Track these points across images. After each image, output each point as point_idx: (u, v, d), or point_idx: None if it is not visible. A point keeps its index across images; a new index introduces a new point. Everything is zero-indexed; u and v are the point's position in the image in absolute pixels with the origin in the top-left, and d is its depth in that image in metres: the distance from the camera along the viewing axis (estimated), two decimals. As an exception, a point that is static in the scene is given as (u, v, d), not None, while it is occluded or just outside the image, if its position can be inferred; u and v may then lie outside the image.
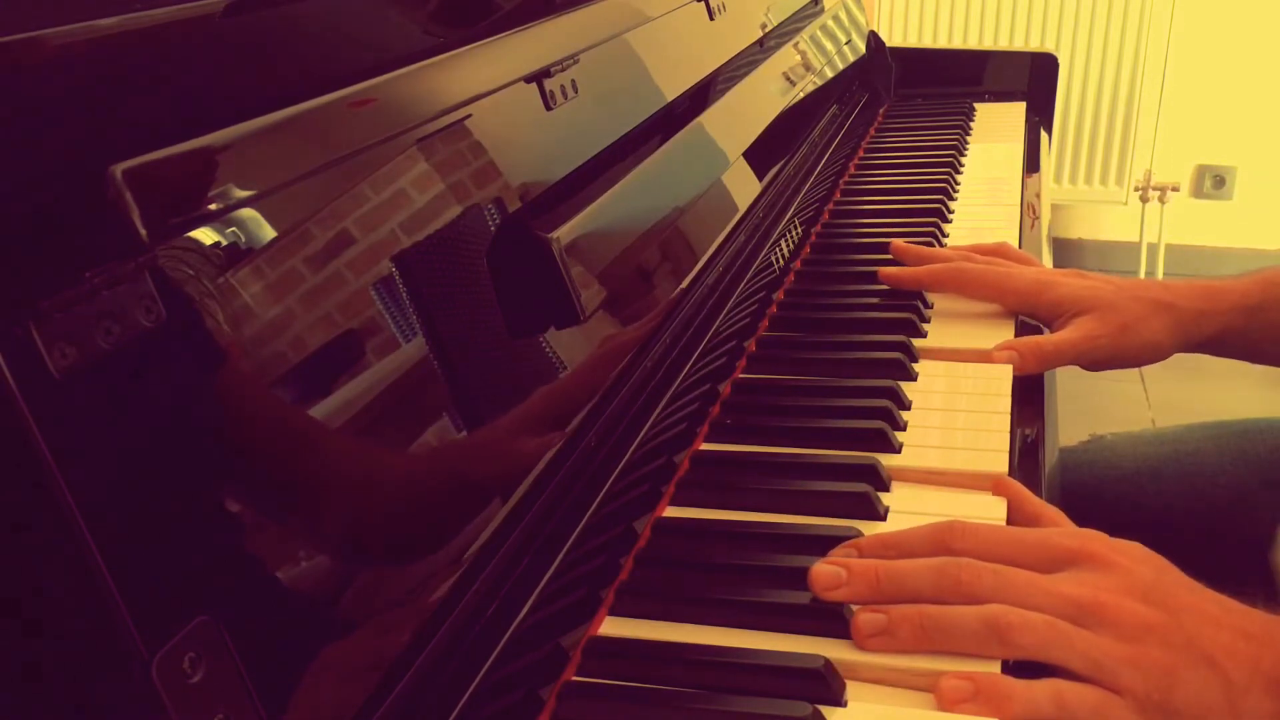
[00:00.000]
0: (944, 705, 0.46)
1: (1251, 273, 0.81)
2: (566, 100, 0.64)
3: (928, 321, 0.82)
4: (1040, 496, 0.60)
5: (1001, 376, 0.73)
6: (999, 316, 0.82)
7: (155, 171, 0.35)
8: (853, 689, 0.47)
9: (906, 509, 0.59)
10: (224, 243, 0.38)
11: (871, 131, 1.36)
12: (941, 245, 0.95)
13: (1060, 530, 0.55)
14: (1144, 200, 2.91)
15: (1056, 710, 0.47)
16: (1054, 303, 0.79)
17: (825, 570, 0.52)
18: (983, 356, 0.77)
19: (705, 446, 0.66)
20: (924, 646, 0.49)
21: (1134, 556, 0.52)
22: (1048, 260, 0.95)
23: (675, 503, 0.61)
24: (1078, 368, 0.78)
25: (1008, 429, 0.66)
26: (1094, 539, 0.53)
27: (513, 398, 0.53)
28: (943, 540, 0.53)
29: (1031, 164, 1.25)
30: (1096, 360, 0.77)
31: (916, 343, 0.77)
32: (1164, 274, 2.88)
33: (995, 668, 0.48)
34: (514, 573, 0.50)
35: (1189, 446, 0.94)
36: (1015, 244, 0.94)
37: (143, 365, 0.33)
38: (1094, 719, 0.47)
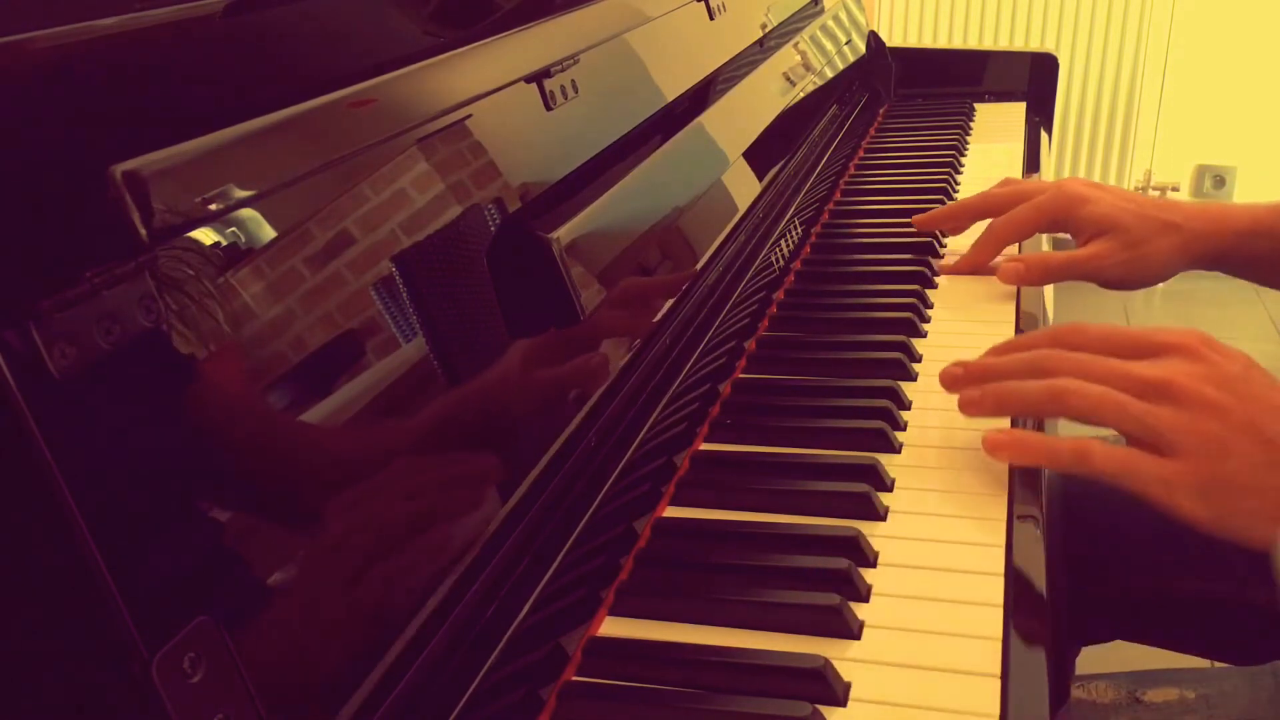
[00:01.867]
0: (986, 448, 0.59)
1: (1265, 203, 0.84)
2: (566, 100, 0.64)
3: (928, 321, 0.82)
4: (1040, 497, 0.60)
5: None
6: (999, 316, 0.82)
7: (155, 171, 0.35)
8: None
9: (906, 509, 0.59)
10: (224, 243, 0.38)
11: (871, 131, 1.36)
12: (941, 245, 0.96)
13: (1165, 328, 0.60)
14: (1144, 200, 2.91)
15: (1076, 461, 0.54)
16: (1085, 219, 0.84)
17: (949, 369, 0.64)
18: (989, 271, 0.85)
19: (705, 446, 0.66)
20: (1001, 411, 0.61)
21: (1224, 353, 0.57)
22: (1043, 239, 0.96)
23: (675, 503, 0.61)
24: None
25: (1008, 428, 0.66)
26: (1193, 335, 0.58)
27: (513, 398, 0.53)
28: (1055, 336, 0.61)
29: (1031, 164, 1.25)
30: (1107, 280, 0.83)
31: (916, 343, 0.77)
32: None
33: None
34: (514, 573, 0.50)
35: None
36: (1014, 246, 0.94)
37: (143, 365, 0.33)
38: (1128, 472, 0.53)
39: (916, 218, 0.96)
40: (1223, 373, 0.56)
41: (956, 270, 0.91)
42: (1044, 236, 0.97)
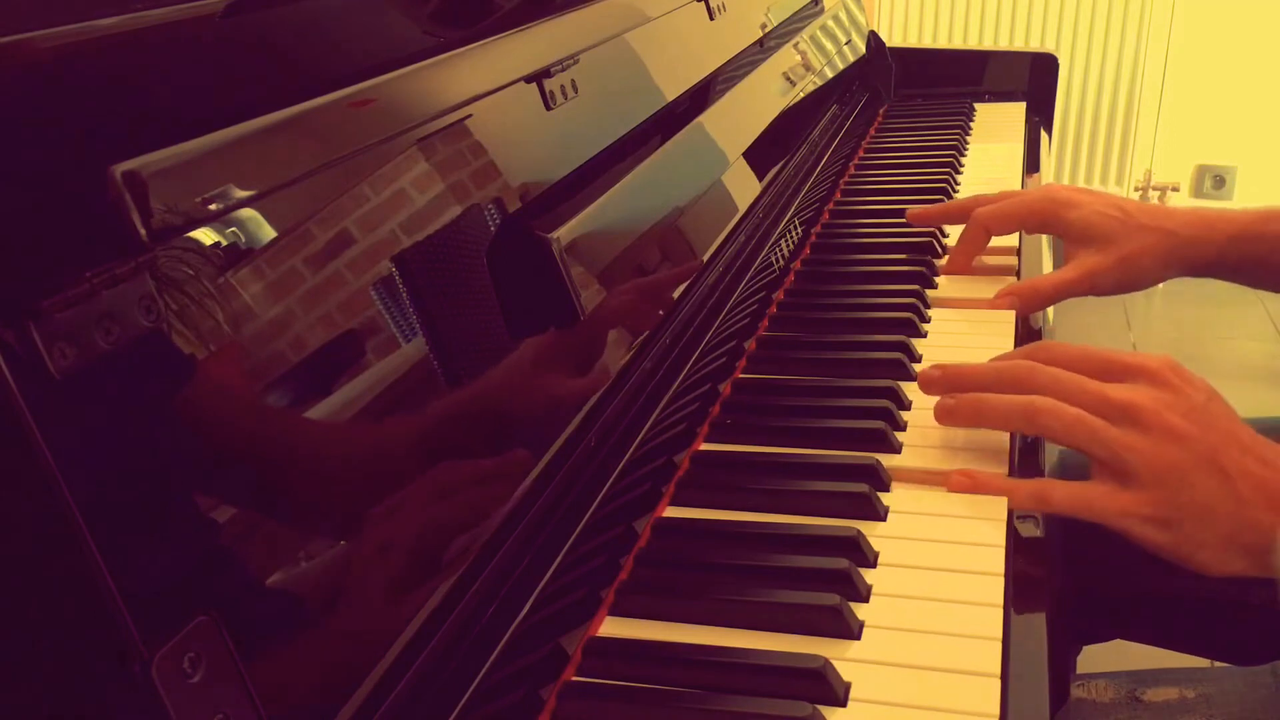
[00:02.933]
0: (951, 489, 0.59)
1: (1256, 208, 0.84)
2: (566, 100, 0.64)
3: (928, 321, 0.82)
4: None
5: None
6: (999, 316, 0.82)
7: (155, 171, 0.35)
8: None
9: (906, 509, 0.59)
10: (224, 243, 0.38)
11: (871, 131, 1.36)
12: (941, 245, 0.96)
13: (1134, 353, 0.61)
14: (1144, 200, 2.91)
15: (1035, 503, 0.57)
16: (1070, 224, 0.84)
17: (926, 372, 0.65)
18: (984, 304, 0.84)
19: (705, 446, 0.66)
20: (975, 423, 0.62)
21: (1191, 383, 0.59)
22: (1048, 263, 0.95)
23: (675, 503, 0.61)
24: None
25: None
26: (1160, 360, 0.59)
27: (512, 398, 0.53)
28: (1030, 355, 0.63)
29: (1031, 164, 1.25)
30: (1100, 292, 0.83)
31: (916, 342, 0.77)
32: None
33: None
34: (514, 573, 0.50)
35: None
36: (1015, 246, 0.94)
37: (142, 365, 0.33)
38: (1085, 507, 0.55)
39: (911, 211, 0.96)
40: (1188, 401, 0.57)
41: (948, 271, 0.91)
42: (1044, 238, 0.97)
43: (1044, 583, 0.54)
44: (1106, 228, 0.82)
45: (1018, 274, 0.90)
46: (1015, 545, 0.56)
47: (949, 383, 0.64)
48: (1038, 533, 0.58)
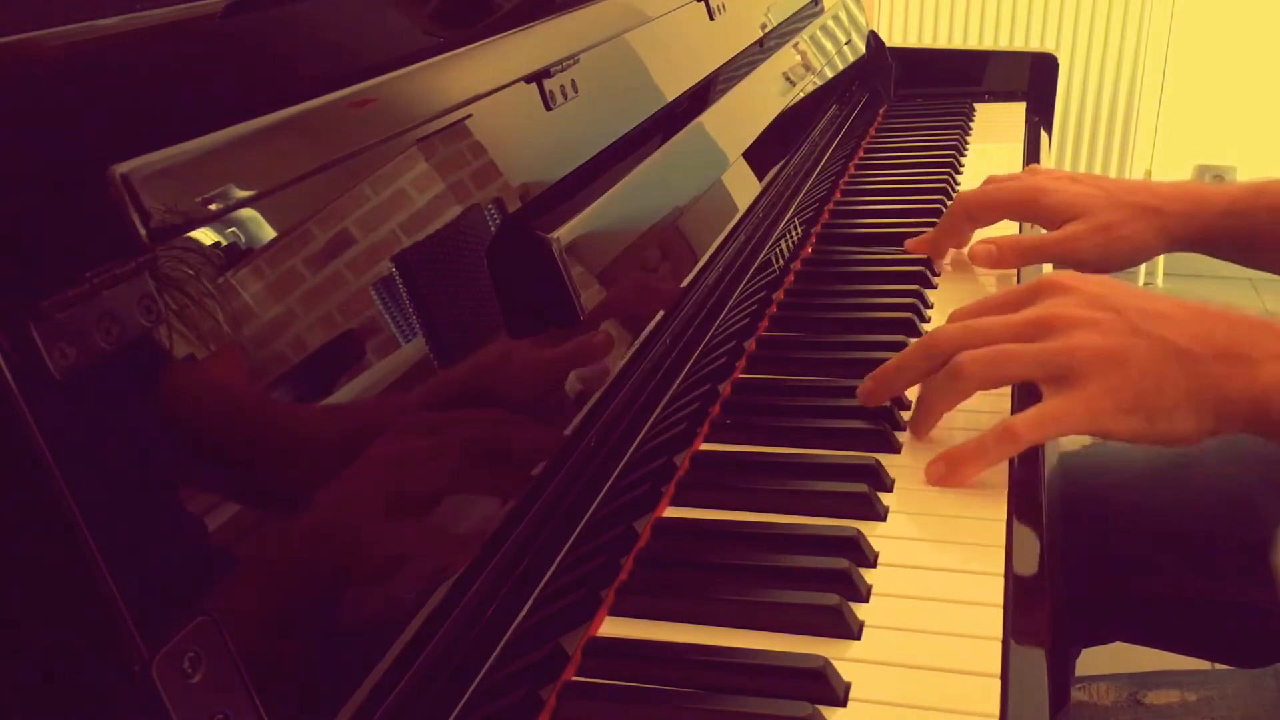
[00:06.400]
0: (931, 483, 0.59)
1: (1245, 182, 0.84)
2: (566, 100, 0.64)
3: (928, 321, 0.82)
4: (1040, 500, 0.60)
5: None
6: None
7: (155, 172, 0.35)
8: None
9: (906, 509, 0.59)
10: (224, 243, 0.38)
11: (871, 131, 1.36)
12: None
13: (1031, 280, 0.63)
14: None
15: (1003, 442, 0.57)
16: (1049, 209, 0.84)
17: (861, 387, 0.65)
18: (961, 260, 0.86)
19: (705, 446, 0.66)
20: (928, 419, 0.62)
21: (1087, 279, 0.60)
22: (1047, 264, 0.95)
23: (675, 503, 0.61)
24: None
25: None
26: (1055, 274, 0.61)
27: (512, 398, 0.53)
28: (932, 333, 0.63)
29: (1031, 164, 1.25)
30: (1083, 261, 0.82)
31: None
32: (1164, 274, 2.88)
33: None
34: (514, 573, 0.50)
35: (1189, 449, 0.94)
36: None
37: (143, 365, 0.33)
38: (1052, 423, 0.55)
39: (909, 242, 0.94)
40: (1090, 294, 0.58)
41: (913, 247, 0.91)
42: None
43: (1044, 583, 0.54)
44: (1085, 204, 0.83)
45: (1018, 274, 0.90)
46: (1015, 545, 0.56)
47: (879, 386, 0.65)
48: (1038, 533, 0.58)
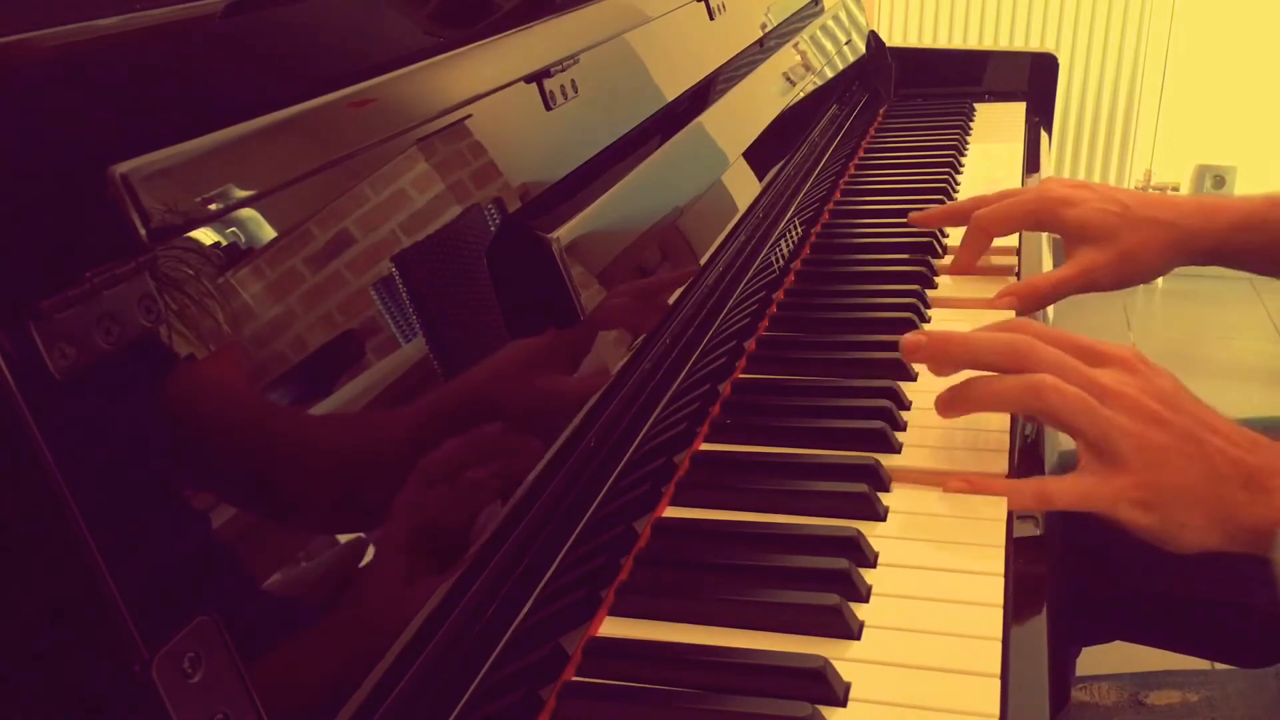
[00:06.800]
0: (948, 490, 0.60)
1: (1258, 194, 0.84)
2: (566, 100, 0.64)
3: (928, 321, 0.82)
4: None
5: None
6: (999, 313, 0.82)
7: (155, 171, 0.35)
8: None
9: (906, 509, 0.59)
10: (224, 243, 0.38)
11: (871, 131, 1.36)
12: (942, 245, 0.96)
13: (1102, 340, 0.63)
14: (1144, 198, 2.91)
15: (1038, 499, 0.57)
16: (1070, 222, 0.84)
17: (910, 337, 0.64)
18: (984, 304, 0.84)
19: (705, 446, 0.66)
20: (977, 408, 0.62)
21: (1157, 371, 0.61)
22: (1048, 262, 0.95)
23: (675, 503, 0.61)
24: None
25: (1008, 429, 0.66)
26: (1127, 349, 0.62)
27: (512, 398, 0.53)
28: (1014, 328, 0.63)
29: (1031, 164, 1.25)
30: (1100, 288, 0.83)
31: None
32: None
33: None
34: (514, 573, 0.50)
35: None
36: (1015, 245, 0.94)
37: (143, 365, 0.33)
38: (1082, 499, 0.57)
39: (913, 215, 0.97)
40: (1158, 387, 0.59)
41: (954, 271, 0.91)
42: (1045, 236, 0.97)
43: (1044, 583, 0.54)
44: (1105, 224, 0.82)
45: (1018, 274, 0.90)
46: (1015, 545, 0.56)
47: (934, 351, 0.63)
48: (1038, 532, 0.58)
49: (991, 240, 0.90)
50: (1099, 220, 0.82)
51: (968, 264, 0.91)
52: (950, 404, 0.62)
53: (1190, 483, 0.56)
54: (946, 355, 0.63)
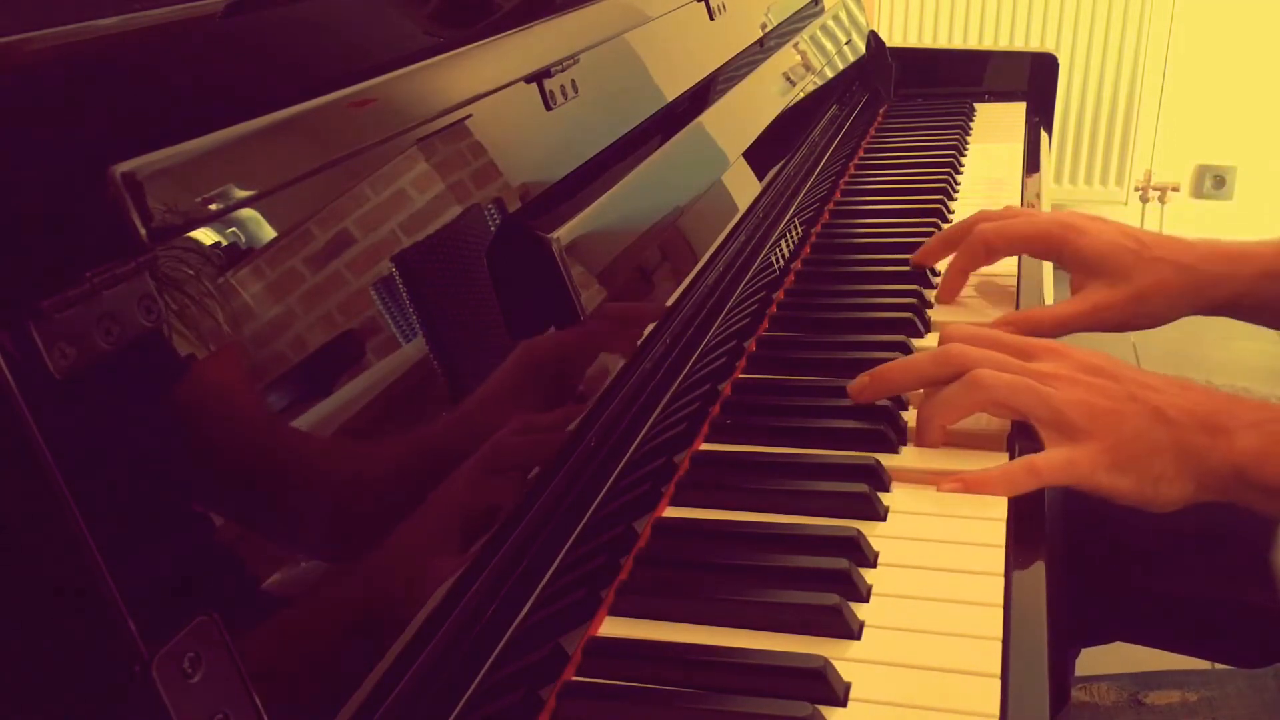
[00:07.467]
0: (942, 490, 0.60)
1: (1276, 240, 0.79)
2: (566, 100, 0.64)
3: (928, 321, 0.82)
4: (1041, 499, 0.60)
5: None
6: (999, 312, 0.82)
7: (155, 172, 0.35)
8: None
9: (906, 509, 0.59)
10: (224, 243, 0.38)
11: (871, 131, 1.36)
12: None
13: (1029, 338, 0.67)
14: (1144, 200, 2.91)
15: (1029, 474, 0.58)
16: (1080, 252, 0.79)
17: (853, 383, 0.66)
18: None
19: (705, 446, 0.66)
20: (939, 421, 0.63)
21: (1087, 353, 0.63)
22: (1048, 277, 0.94)
23: (675, 503, 0.61)
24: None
25: (1008, 430, 0.66)
26: (1055, 341, 0.65)
27: (512, 398, 0.53)
28: (943, 338, 0.66)
29: (1031, 164, 1.25)
30: (1105, 328, 0.80)
31: (916, 343, 0.77)
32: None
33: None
34: (514, 573, 0.50)
35: None
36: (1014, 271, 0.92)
37: (143, 365, 0.33)
38: (1066, 468, 0.58)
39: (913, 258, 0.89)
40: (1092, 364, 0.62)
41: (941, 299, 0.85)
42: (1048, 265, 0.93)
43: (1044, 583, 0.54)
44: (1120, 259, 0.76)
45: (1018, 277, 0.90)
46: (1015, 545, 0.56)
47: (877, 383, 0.66)
48: (1038, 533, 0.58)
49: (989, 260, 0.84)
50: (1113, 254, 0.77)
51: (956, 284, 0.85)
52: (922, 432, 0.64)
53: (1150, 434, 0.58)
54: (889, 384, 0.66)
